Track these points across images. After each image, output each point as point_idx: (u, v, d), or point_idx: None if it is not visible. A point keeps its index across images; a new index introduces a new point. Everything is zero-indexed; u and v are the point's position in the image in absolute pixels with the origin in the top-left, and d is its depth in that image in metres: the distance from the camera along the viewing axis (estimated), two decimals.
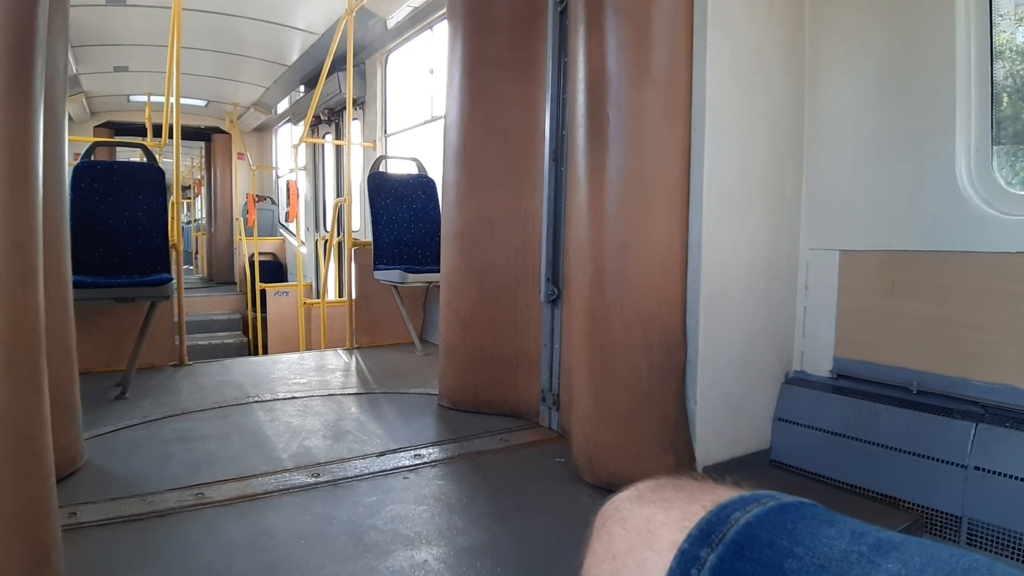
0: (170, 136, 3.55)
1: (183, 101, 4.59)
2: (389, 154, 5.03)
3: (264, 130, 9.14)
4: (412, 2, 4.46)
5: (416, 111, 5.10)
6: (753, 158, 1.80)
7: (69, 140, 1.85)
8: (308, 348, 4.71)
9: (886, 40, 1.72)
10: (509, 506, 1.66)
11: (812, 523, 0.31)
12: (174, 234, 3.17)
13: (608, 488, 1.70)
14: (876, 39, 1.74)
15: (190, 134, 8.19)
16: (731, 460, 1.82)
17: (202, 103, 7.85)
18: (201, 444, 2.01)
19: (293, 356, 3.63)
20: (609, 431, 1.75)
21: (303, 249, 6.67)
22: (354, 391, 2.75)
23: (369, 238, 3.91)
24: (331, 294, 5.66)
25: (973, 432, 1.48)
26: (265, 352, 5.90)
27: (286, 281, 7.34)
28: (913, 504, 1.58)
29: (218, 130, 8.70)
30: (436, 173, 3.64)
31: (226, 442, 2.04)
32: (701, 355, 1.71)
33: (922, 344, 1.65)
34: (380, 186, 3.84)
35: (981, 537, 1.44)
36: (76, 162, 2.96)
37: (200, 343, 6.24)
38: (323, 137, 6.73)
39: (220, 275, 8.77)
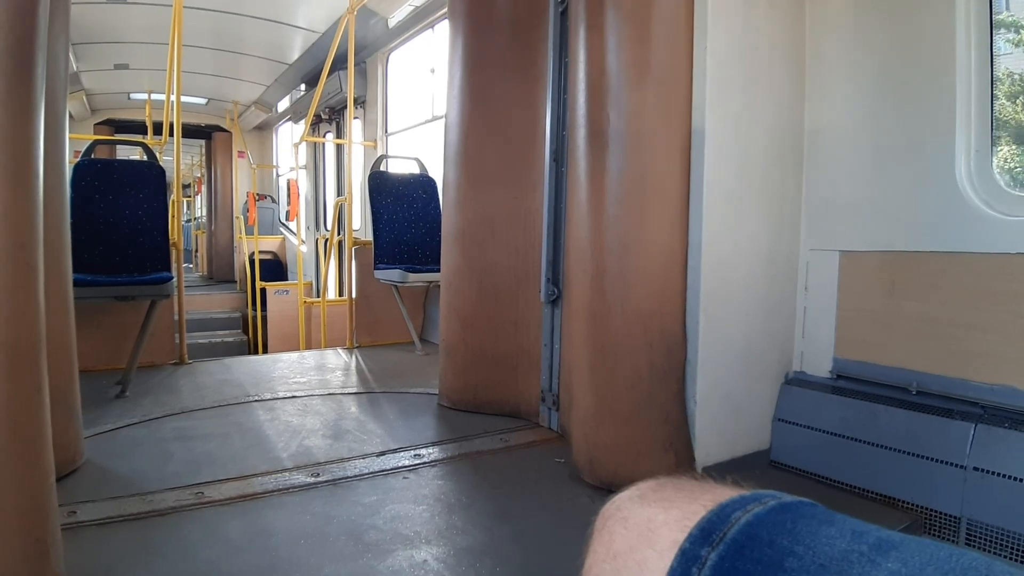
0: (171, 134, 3.56)
1: (184, 99, 4.61)
2: (390, 153, 5.04)
3: (265, 128, 9.14)
4: (413, 1, 4.46)
5: (417, 110, 5.10)
6: (753, 158, 1.81)
7: (69, 138, 1.85)
8: (308, 347, 4.70)
9: (886, 40, 1.72)
10: (509, 506, 1.66)
11: (812, 522, 0.31)
12: (174, 232, 3.17)
13: (608, 488, 1.70)
14: (876, 39, 1.74)
15: (191, 132, 8.17)
16: (731, 460, 1.82)
17: (203, 101, 7.85)
18: (201, 443, 2.01)
19: (293, 355, 3.63)
20: (609, 431, 1.75)
21: (303, 248, 6.68)
22: (354, 390, 2.75)
23: (369, 237, 3.91)
24: (331, 293, 5.66)
25: (972, 433, 1.48)
26: (265, 351, 5.90)
27: (286, 280, 7.34)
28: (912, 504, 1.59)
29: (219, 128, 8.69)
30: (437, 172, 3.64)
31: (226, 441, 2.04)
32: (701, 355, 1.72)
33: (922, 345, 1.65)
34: (381, 185, 3.84)
35: (980, 537, 1.45)
36: (76, 160, 2.96)
37: (200, 342, 6.25)
38: (324, 136, 6.73)
39: (220, 274, 8.76)
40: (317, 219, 7.31)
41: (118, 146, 7.69)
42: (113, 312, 2.94)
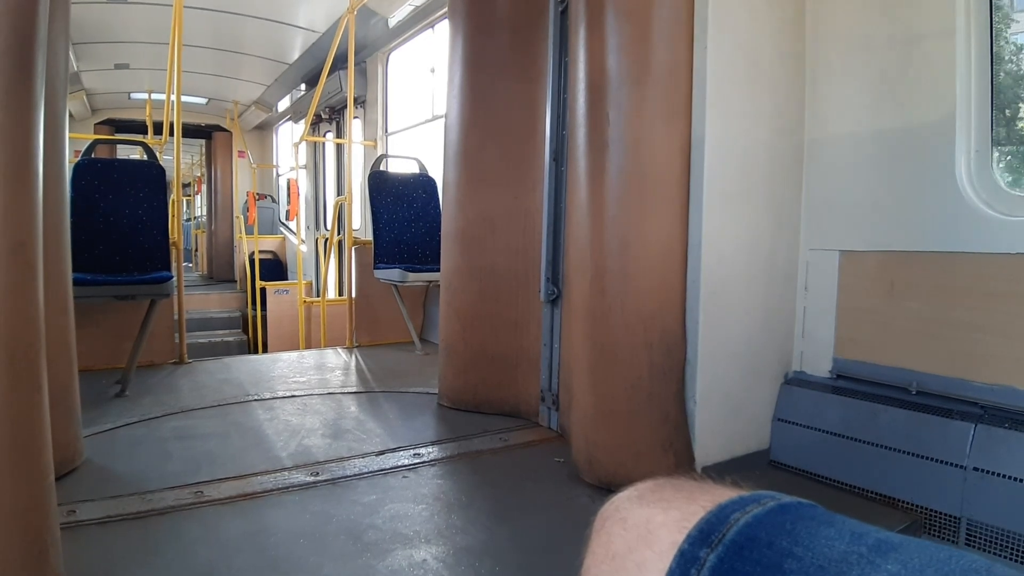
0: (171, 134, 3.56)
1: (184, 99, 4.60)
2: (390, 153, 5.03)
3: (265, 128, 9.14)
4: (413, 1, 4.45)
5: (417, 110, 5.10)
6: (753, 158, 1.80)
7: (69, 137, 1.85)
8: (308, 347, 4.70)
9: (886, 40, 1.71)
10: (508, 506, 1.66)
11: (811, 524, 0.31)
12: (174, 232, 3.17)
13: (608, 488, 1.70)
14: (876, 39, 1.74)
15: (191, 132, 8.17)
16: (730, 460, 1.82)
17: (203, 101, 7.85)
18: (200, 442, 2.01)
19: (293, 354, 3.63)
20: (609, 431, 1.75)
21: (303, 247, 6.67)
22: (354, 390, 2.75)
23: (369, 237, 3.91)
24: (331, 292, 5.66)
25: (972, 433, 1.48)
26: (265, 350, 5.89)
27: (286, 279, 7.34)
28: (912, 504, 1.59)
29: (219, 128, 8.69)
30: (437, 172, 3.64)
31: (225, 440, 2.04)
32: (701, 355, 1.72)
33: (921, 345, 1.65)
34: (381, 185, 3.84)
35: (980, 538, 1.45)
36: (76, 159, 2.96)
37: (200, 341, 6.25)
38: (324, 135, 6.72)
39: (220, 273, 8.76)
40: (317, 219, 7.31)
41: (118, 146, 7.69)
42: (113, 311, 2.94)
